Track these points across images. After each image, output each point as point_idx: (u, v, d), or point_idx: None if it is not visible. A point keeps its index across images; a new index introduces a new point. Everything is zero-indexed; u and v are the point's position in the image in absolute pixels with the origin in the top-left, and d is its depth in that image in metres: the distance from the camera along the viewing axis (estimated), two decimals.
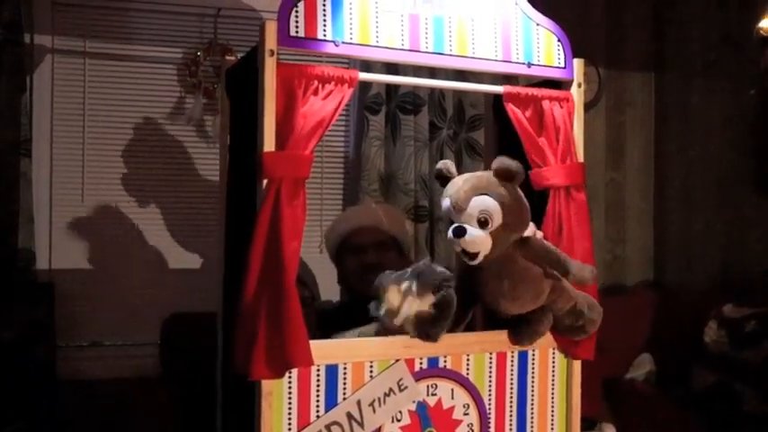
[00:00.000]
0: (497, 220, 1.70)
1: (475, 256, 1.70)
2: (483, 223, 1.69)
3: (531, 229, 1.83)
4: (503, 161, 1.72)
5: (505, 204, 1.71)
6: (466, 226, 1.68)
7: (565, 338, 1.90)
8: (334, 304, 2.72)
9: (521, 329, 1.83)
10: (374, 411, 1.70)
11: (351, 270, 2.38)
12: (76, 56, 3.12)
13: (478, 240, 1.68)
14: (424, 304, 1.73)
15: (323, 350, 1.64)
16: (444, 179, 1.80)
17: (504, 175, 1.72)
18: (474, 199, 1.70)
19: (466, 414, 1.81)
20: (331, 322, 2.01)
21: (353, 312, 1.93)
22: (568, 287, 1.83)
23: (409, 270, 1.79)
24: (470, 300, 1.84)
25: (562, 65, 1.96)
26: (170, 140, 3.25)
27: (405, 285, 1.74)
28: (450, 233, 1.70)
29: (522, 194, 1.76)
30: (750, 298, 3.05)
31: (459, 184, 1.74)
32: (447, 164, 1.82)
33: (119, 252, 3.17)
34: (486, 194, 1.70)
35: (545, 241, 1.86)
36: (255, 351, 1.56)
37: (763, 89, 3.26)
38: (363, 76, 1.77)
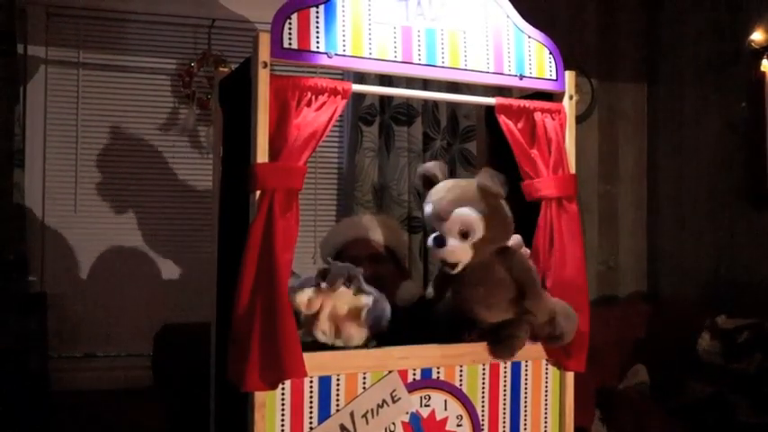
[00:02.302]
0: (478, 232, 1.70)
1: (454, 266, 1.70)
2: (464, 235, 1.69)
3: (516, 242, 1.83)
4: (485, 180, 1.71)
5: (487, 218, 1.70)
6: (446, 237, 1.69)
7: (556, 350, 1.90)
8: None
9: (497, 337, 1.81)
10: (367, 423, 1.70)
11: None
12: (70, 66, 3.13)
13: (458, 252, 1.69)
14: (340, 299, 1.68)
15: (316, 361, 1.64)
16: (429, 183, 1.80)
17: (486, 191, 1.72)
18: (456, 210, 1.70)
19: (459, 425, 1.81)
20: None
21: None
22: (545, 297, 1.82)
23: (312, 276, 1.72)
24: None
25: (554, 77, 1.97)
26: (163, 151, 3.25)
27: (309, 291, 1.67)
28: (430, 242, 1.72)
29: (505, 207, 1.76)
30: (743, 309, 3.06)
31: (443, 192, 1.74)
32: (434, 168, 1.81)
33: (111, 263, 3.16)
34: (468, 206, 1.70)
35: (527, 260, 1.84)
36: (249, 362, 1.56)
37: (754, 101, 3.27)
38: (356, 87, 1.77)
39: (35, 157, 3.07)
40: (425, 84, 3.04)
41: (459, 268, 1.71)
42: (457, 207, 1.70)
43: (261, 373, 1.57)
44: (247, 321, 1.58)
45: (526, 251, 1.88)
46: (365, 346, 1.72)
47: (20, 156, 2.91)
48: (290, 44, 1.65)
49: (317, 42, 1.68)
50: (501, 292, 1.76)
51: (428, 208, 1.75)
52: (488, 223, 1.70)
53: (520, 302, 1.77)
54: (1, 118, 2.83)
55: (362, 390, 1.70)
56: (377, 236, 2.31)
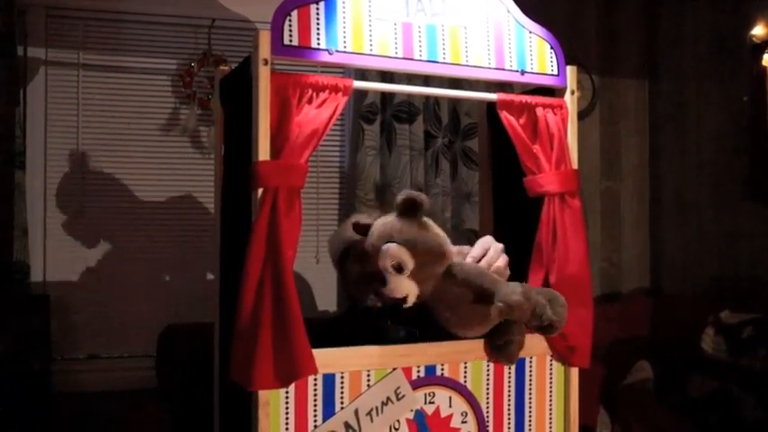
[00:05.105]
0: (409, 263, 1.65)
1: (404, 300, 1.67)
2: (398, 269, 1.66)
3: (457, 252, 1.79)
4: (400, 201, 1.68)
5: (412, 246, 1.66)
6: (386, 275, 1.66)
7: (560, 346, 1.89)
8: (332, 315, 2.71)
9: (495, 346, 1.79)
10: (372, 420, 1.69)
11: (354, 277, 2.36)
12: (70, 68, 3.13)
13: (400, 286, 1.65)
14: None
15: (320, 359, 1.63)
16: (363, 232, 1.76)
17: (404, 211, 1.68)
18: (382, 248, 1.67)
19: (464, 422, 1.80)
20: (333, 333, 2.00)
21: (353, 322, 1.93)
22: (508, 285, 1.75)
23: None
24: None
25: (555, 72, 1.96)
26: (165, 151, 3.25)
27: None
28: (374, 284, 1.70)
29: (432, 227, 1.71)
30: (747, 304, 3.06)
31: (372, 232, 1.72)
32: (359, 217, 1.80)
33: (114, 263, 3.16)
34: (391, 241, 1.67)
35: (471, 265, 1.78)
36: (257, 361, 1.55)
37: (756, 96, 3.27)
38: (358, 84, 1.77)
39: (36, 159, 3.07)
40: (427, 81, 3.04)
41: (412, 300, 1.67)
42: (383, 244, 1.67)
43: (271, 372, 1.57)
44: (253, 320, 1.57)
45: (470, 255, 1.82)
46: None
47: (21, 157, 2.91)
48: (290, 41, 1.65)
49: (318, 39, 1.68)
50: (465, 310, 1.72)
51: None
52: (415, 251, 1.66)
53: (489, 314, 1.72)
54: (1, 120, 2.83)
55: (367, 387, 1.70)
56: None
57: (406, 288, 1.66)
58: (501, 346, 1.80)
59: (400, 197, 1.68)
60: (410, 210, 1.68)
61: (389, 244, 1.66)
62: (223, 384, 1.86)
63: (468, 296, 1.72)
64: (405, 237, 1.66)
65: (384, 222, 1.71)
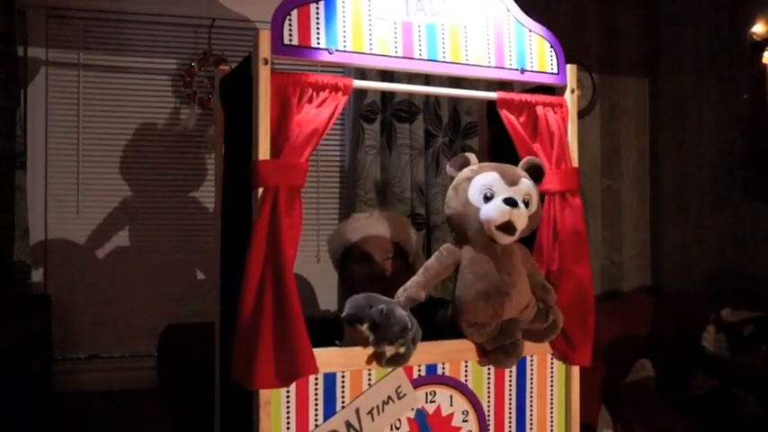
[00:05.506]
0: (534, 205, 1.76)
1: (515, 232, 1.71)
2: (525, 204, 1.73)
3: None
4: (534, 160, 1.81)
5: (538, 197, 1.78)
6: (507, 206, 1.69)
7: (561, 345, 1.89)
8: (333, 314, 2.70)
9: (503, 347, 1.79)
10: (373, 419, 1.70)
11: (355, 279, 2.36)
12: (71, 68, 3.12)
13: (525, 216, 1.71)
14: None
15: (321, 358, 1.63)
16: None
17: (537, 173, 1.80)
18: (522, 179, 1.75)
19: (465, 421, 1.80)
20: (335, 332, 2.00)
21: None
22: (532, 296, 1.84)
23: (372, 310, 1.69)
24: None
25: (555, 71, 1.96)
26: (165, 151, 3.25)
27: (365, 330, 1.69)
28: (498, 203, 1.69)
29: None
30: (747, 302, 3.05)
31: (496, 164, 1.79)
32: (473, 157, 1.83)
33: (114, 263, 3.16)
34: (529, 179, 1.77)
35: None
36: (258, 361, 1.56)
37: (756, 94, 3.27)
38: (358, 83, 1.77)
39: (37, 159, 3.06)
40: (427, 80, 3.04)
41: (515, 237, 1.72)
42: (521, 177, 1.76)
43: (272, 371, 1.57)
44: (254, 319, 1.57)
45: None
46: None
47: (21, 158, 2.90)
48: (290, 40, 1.65)
49: (318, 38, 1.68)
50: (525, 285, 1.77)
51: (491, 176, 1.74)
52: (539, 203, 1.78)
53: (527, 301, 1.77)
54: (2, 120, 2.83)
55: (368, 386, 1.70)
56: (386, 233, 2.30)
57: (525, 220, 1.72)
58: (508, 346, 1.80)
59: (536, 160, 1.83)
60: (539, 175, 1.80)
61: (529, 180, 1.77)
62: (224, 384, 1.86)
63: (524, 276, 1.78)
64: (534, 186, 1.78)
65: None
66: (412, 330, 1.68)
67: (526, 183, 1.75)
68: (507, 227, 1.69)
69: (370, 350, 1.70)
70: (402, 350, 1.68)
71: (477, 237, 1.74)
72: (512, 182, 1.73)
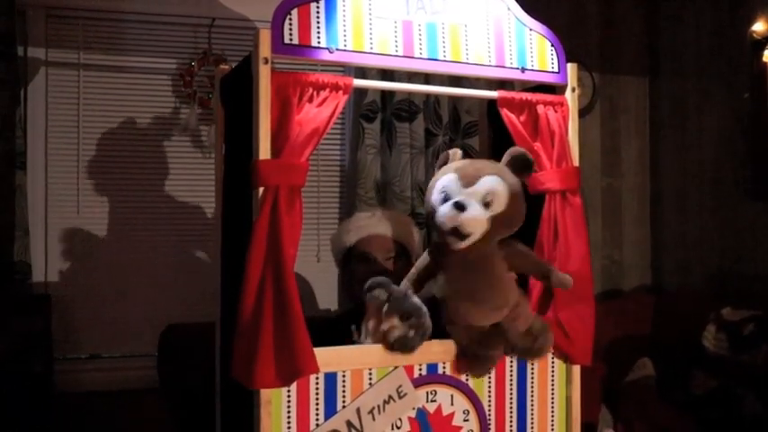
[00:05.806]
0: (501, 205, 1.65)
1: (465, 237, 1.63)
2: (486, 205, 1.64)
3: None
4: (519, 149, 1.72)
5: (513, 194, 1.67)
6: (468, 202, 1.63)
7: (562, 344, 1.89)
8: (334, 314, 2.70)
9: (474, 355, 1.77)
10: (374, 419, 1.69)
11: (358, 278, 2.36)
12: (71, 68, 3.12)
13: (478, 220, 1.62)
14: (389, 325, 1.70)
15: (322, 358, 1.63)
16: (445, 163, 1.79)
17: (518, 164, 1.71)
18: (485, 177, 1.66)
19: (466, 420, 1.80)
20: (336, 332, 2.00)
21: (357, 320, 1.93)
22: (526, 309, 1.80)
23: (392, 286, 1.73)
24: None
25: (556, 69, 1.96)
26: (165, 151, 3.24)
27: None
28: (447, 208, 1.63)
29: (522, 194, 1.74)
30: (748, 301, 3.05)
31: (465, 163, 1.72)
32: (457, 153, 1.80)
33: (115, 263, 3.16)
34: (498, 176, 1.67)
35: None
36: (259, 360, 1.55)
37: (757, 92, 3.26)
38: (358, 82, 1.77)
39: (37, 159, 3.06)
40: (427, 79, 3.04)
41: (468, 243, 1.64)
42: (486, 175, 1.66)
43: (273, 371, 1.57)
44: (254, 319, 1.57)
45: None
46: None
47: (21, 158, 2.90)
48: (290, 40, 1.65)
49: (318, 37, 1.68)
50: (494, 291, 1.71)
51: (448, 177, 1.68)
52: (511, 200, 1.66)
53: (505, 308, 1.73)
54: (2, 120, 2.83)
55: (369, 386, 1.70)
56: (388, 232, 2.30)
57: (478, 224, 1.63)
58: (481, 357, 1.78)
59: (520, 150, 1.73)
60: (525, 165, 1.72)
61: (495, 176, 1.66)
62: (224, 383, 1.86)
63: (506, 281, 1.73)
64: (511, 182, 1.68)
65: (489, 162, 1.74)
66: (424, 317, 1.68)
67: (488, 182, 1.65)
68: (455, 232, 1.62)
69: (371, 350, 1.71)
70: (411, 333, 1.67)
71: (440, 240, 1.70)
72: (468, 183, 1.65)
